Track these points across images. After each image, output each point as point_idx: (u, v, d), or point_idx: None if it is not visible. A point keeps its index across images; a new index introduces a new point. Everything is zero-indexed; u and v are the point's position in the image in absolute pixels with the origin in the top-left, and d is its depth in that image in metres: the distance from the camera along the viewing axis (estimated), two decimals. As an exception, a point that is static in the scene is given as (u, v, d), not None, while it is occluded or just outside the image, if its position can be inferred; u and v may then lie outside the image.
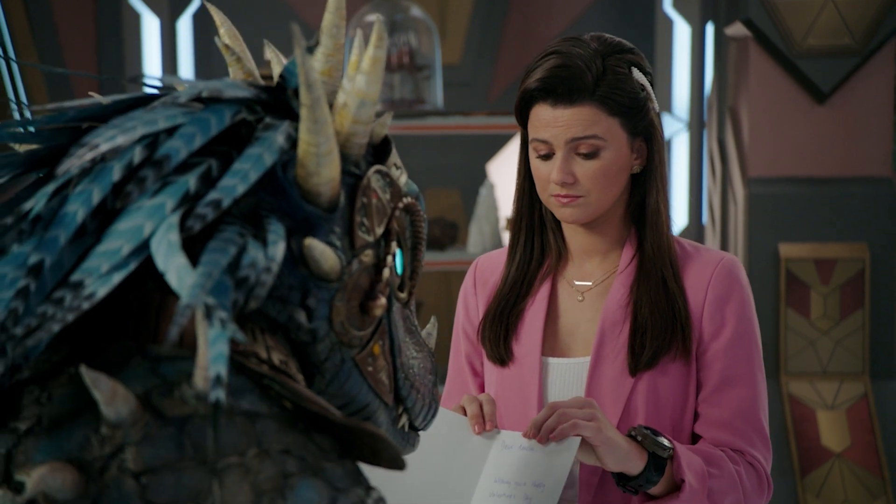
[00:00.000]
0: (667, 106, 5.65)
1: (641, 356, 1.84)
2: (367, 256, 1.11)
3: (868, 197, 4.44)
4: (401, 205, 1.15)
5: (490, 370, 1.97)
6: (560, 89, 1.81)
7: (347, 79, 1.10)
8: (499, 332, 1.93)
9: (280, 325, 1.08)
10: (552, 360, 1.91)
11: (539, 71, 1.83)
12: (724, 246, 4.90)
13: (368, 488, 1.05)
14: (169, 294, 1.04)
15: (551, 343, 1.93)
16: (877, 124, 4.45)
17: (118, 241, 0.99)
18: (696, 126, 5.62)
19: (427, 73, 4.53)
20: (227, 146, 1.06)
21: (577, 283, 1.94)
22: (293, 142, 1.06)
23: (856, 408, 4.39)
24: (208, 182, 1.03)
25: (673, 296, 1.86)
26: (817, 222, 4.45)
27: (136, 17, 5.61)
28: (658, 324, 1.85)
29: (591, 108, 1.82)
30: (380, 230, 1.12)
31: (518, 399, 1.90)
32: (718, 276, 1.87)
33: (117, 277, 0.98)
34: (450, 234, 4.47)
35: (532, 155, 1.88)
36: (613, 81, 1.82)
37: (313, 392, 1.08)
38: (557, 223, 1.94)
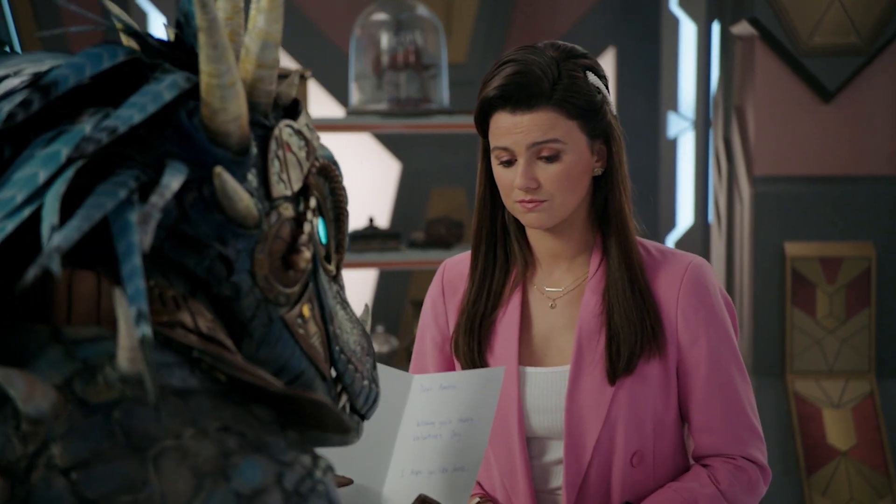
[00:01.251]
0: (673, 105, 5.65)
1: (618, 363, 1.87)
2: (286, 209, 1.05)
3: (874, 196, 4.44)
4: (317, 163, 1.10)
5: None
6: (518, 96, 1.84)
7: (248, 33, 1.06)
8: (472, 346, 1.94)
9: (200, 282, 1.02)
10: (529, 370, 1.93)
11: (497, 79, 1.86)
12: (730, 244, 4.90)
13: (315, 457, 0.98)
14: (80, 268, 0.99)
15: (526, 352, 1.94)
16: (883, 123, 4.45)
17: (12, 190, 0.93)
18: (702, 125, 5.62)
19: (433, 72, 4.53)
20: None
21: (547, 289, 1.95)
22: (195, 86, 1.01)
23: (862, 406, 4.39)
24: None
25: (640, 298, 1.88)
26: (823, 221, 4.44)
27: (142, 17, 5.62)
28: (628, 328, 1.87)
29: (549, 113, 1.84)
30: (297, 185, 1.07)
31: (498, 410, 1.89)
32: (687, 286, 1.90)
33: (10, 226, 0.92)
34: (455, 232, 4.47)
35: (494, 162, 1.90)
36: (570, 85, 1.85)
37: (244, 358, 1.02)
38: (521, 231, 1.95)
